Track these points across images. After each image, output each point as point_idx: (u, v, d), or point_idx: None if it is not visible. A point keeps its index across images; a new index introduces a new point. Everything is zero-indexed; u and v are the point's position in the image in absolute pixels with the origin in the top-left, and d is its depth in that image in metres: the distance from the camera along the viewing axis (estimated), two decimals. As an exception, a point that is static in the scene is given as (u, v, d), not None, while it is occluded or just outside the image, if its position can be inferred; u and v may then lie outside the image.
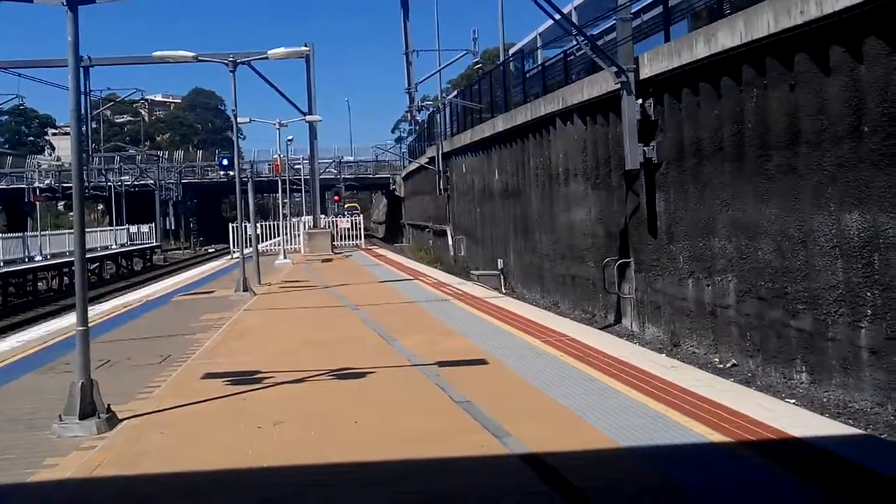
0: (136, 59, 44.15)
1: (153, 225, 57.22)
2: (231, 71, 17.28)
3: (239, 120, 20.66)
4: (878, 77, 9.26)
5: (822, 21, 9.84)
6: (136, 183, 67.50)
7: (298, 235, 35.03)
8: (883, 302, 9.29)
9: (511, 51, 35.66)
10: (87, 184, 55.36)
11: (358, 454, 5.66)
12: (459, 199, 34.98)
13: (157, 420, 6.78)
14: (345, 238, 36.64)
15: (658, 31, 15.51)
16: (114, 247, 45.98)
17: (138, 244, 51.27)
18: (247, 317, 13.58)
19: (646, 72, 14.46)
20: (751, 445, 5.43)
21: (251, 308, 14.83)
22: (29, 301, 31.50)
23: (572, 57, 20.40)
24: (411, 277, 20.16)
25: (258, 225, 25.60)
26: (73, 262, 9.83)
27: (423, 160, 44.08)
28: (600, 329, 14.01)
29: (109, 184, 63.75)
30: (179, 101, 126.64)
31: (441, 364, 8.44)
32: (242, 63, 18.26)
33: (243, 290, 16.85)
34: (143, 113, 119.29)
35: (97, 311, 14.89)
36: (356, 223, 38.27)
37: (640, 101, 14.59)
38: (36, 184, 64.33)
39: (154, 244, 55.28)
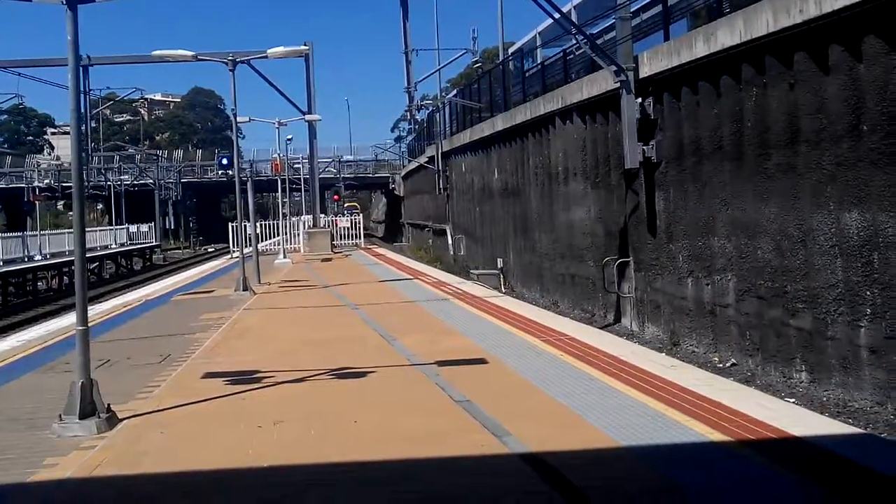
0: (136, 58, 44.17)
1: (153, 224, 57.19)
2: (230, 70, 17.28)
3: (238, 119, 20.65)
4: (878, 76, 9.26)
5: (821, 20, 9.84)
6: (135, 182, 67.49)
7: (298, 235, 35.03)
8: (882, 301, 9.29)
9: (510, 50, 35.65)
10: (86, 183, 55.31)
11: (358, 454, 5.67)
12: (459, 198, 34.98)
13: (157, 420, 6.79)
14: (344, 237, 36.65)
15: (657, 30, 15.51)
16: (113, 246, 45.97)
17: (138, 244, 51.25)
18: (247, 316, 13.58)
19: (645, 71, 14.46)
20: (750, 444, 5.43)
21: (251, 307, 14.83)
22: (29, 301, 31.49)
23: (572, 56, 20.40)
24: (411, 277, 20.17)
25: (258, 224, 25.61)
26: (72, 261, 9.83)
27: (423, 159, 44.08)
28: (600, 328, 14.01)
29: (109, 183, 63.73)
30: (179, 100, 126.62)
31: (441, 363, 8.44)
32: (242, 62, 18.27)
33: (243, 290, 16.86)
34: (142, 112, 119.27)
35: (97, 311, 14.88)
36: (356, 222, 38.28)
37: (639, 100, 14.59)
38: (35, 183, 64.32)
39: (153, 244, 55.26)
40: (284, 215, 35.24)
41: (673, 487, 4.79)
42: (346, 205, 77.01)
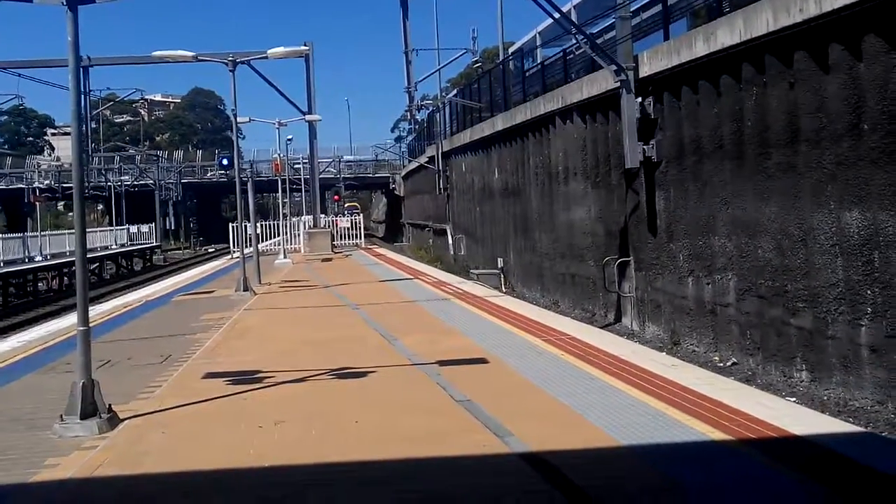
0: (136, 58, 44.12)
1: (153, 225, 57.23)
2: (231, 70, 17.29)
3: (238, 119, 20.66)
4: (878, 75, 9.26)
5: (821, 19, 9.84)
6: (135, 183, 67.50)
7: (298, 235, 35.04)
8: (883, 300, 9.29)
9: (510, 49, 35.64)
10: (86, 184, 55.34)
11: (359, 453, 5.67)
12: (459, 198, 34.98)
13: (158, 420, 6.79)
14: (345, 237, 36.66)
15: (657, 30, 15.51)
16: (114, 247, 46.00)
17: (138, 244, 51.28)
18: (247, 316, 13.59)
19: (645, 70, 14.46)
20: (751, 443, 5.44)
21: (251, 308, 14.83)
22: (29, 301, 31.50)
23: (572, 55, 20.40)
24: (411, 276, 20.17)
25: (258, 224, 25.60)
26: (73, 262, 9.85)
27: (423, 159, 44.08)
28: (600, 328, 14.00)
29: (109, 184, 63.74)
30: (179, 100, 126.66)
31: (442, 363, 8.45)
32: (242, 62, 18.26)
33: (243, 290, 16.86)
34: (142, 113, 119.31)
35: (97, 312, 14.89)
36: (356, 222, 38.29)
37: (639, 99, 14.59)
38: (35, 184, 64.30)
39: (154, 244, 55.29)
40: (285, 215, 35.24)
41: (674, 486, 4.79)
42: (346, 205, 77.02)
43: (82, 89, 36.85)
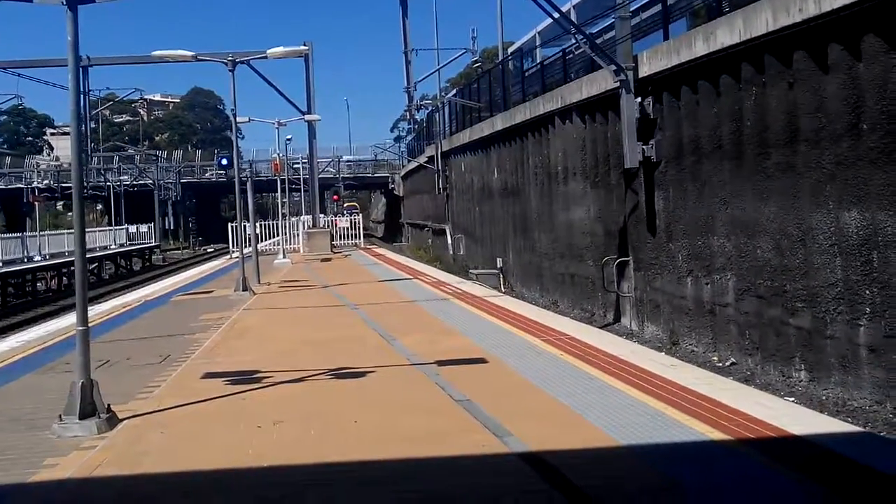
0: (135, 58, 44.11)
1: (152, 225, 57.20)
2: (230, 70, 17.28)
3: (238, 119, 20.65)
4: (877, 75, 9.27)
5: (820, 19, 9.85)
6: (134, 183, 67.49)
7: (297, 235, 35.03)
8: (882, 300, 9.30)
9: (510, 49, 35.64)
10: (86, 184, 55.31)
11: (358, 453, 5.67)
12: (458, 198, 34.99)
13: (157, 420, 6.79)
14: (344, 237, 36.65)
15: (657, 30, 15.51)
16: (113, 247, 45.97)
17: (137, 244, 51.25)
18: (246, 316, 13.59)
19: (645, 70, 14.47)
20: (750, 443, 5.44)
21: (250, 308, 14.83)
22: (28, 301, 31.49)
23: (571, 55, 20.39)
24: (410, 276, 20.17)
25: (257, 224, 25.60)
26: (72, 262, 9.85)
27: (422, 159, 44.08)
28: (600, 328, 14.01)
29: (108, 184, 63.74)
30: (178, 100, 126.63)
31: (441, 363, 8.45)
32: (241, 62, 18.26)
33: (242, 290, 16.86)
34: (141, 112, 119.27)
35: (96, 312, 14.88)
36: (355, 222, 38.28)
37: (638, 99, 14.60)
38: (35, 184, 64.31)
39: (153, 244, 55.26)
40: (284, 215, 35.24)
41: (673, 486, 4.80)
42: (345, 205, 77.03)
43: (82, 89, 36.86)
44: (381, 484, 5.09)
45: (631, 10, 15.95)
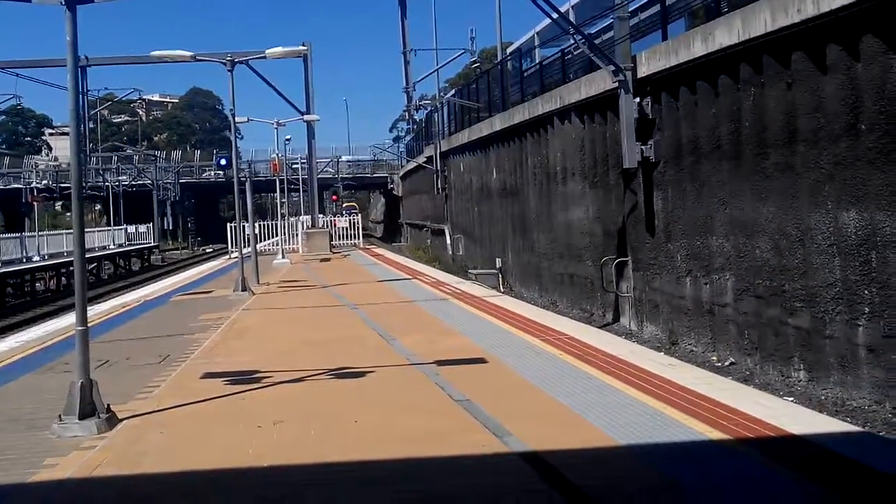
0: (134, 58, 44.17)
1: (151, 225, 57.17)
2: (229, 70, 17.29)
3: (237, 119, 20.67)
4: (875, 75, 9.28)
5: (819, 19, 9.86)
6: (133, 183, 67.41)
7: (297, 235, 35.03)
8: (880, 300, 9.31)
9: (509, 50, 35.65)
10: (84, 184, 55.22)
11: (358, 453, 5.67)
12: (457, 198, 34.99)
13: (156, 420, 6.79)
14: (343, 237, 36.65)
15: (655, 30, 15.52)
16: (111, 247, 45.94)
17: (136, 244, 51.22)
18: (245, 316, 13.59)
19: (643, 70, 14.48)
20: (749, 443, 5.45)
21: (250, 308, 14.83)
22: (27, 301, 31.47)
23: (570, 56, 20.40)
24: (410, 277, 20.18)
25: (256, 225, 25.60)
26: (70, 262, 9.85)
27: (421, 159, 44.09)
28: (599, 328, 14.01)
29: (107, 184, 63.64)
30: (177, 100, 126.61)
31: (440, 363, 8.45)
32: (240, 62, 18.27)
33: (242, 290, 16.86)
34: (140, 113, 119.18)
35: (95, 312, 14.87)
36: (354, 222, 38.27)
37: (637, 99, 14.61)
38: (33, 184, 64.12)
39: (152, 244, 55.23)
40: (283, 215, 35.24)
41: (672, 485, 4.80)
42: (344, 205, 76.94)
43: (80, 89, 36.82)
44: (381, 484, 5.10)
45: (629, 10, 15.96)
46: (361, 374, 8.15)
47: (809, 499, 4.58)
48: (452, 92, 44.90)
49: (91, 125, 55.98)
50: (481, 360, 8.68)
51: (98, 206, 76.34)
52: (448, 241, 36.35)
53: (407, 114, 41.83)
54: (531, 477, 5.06)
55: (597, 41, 16.58)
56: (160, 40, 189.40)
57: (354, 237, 36.97)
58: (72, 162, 7.19)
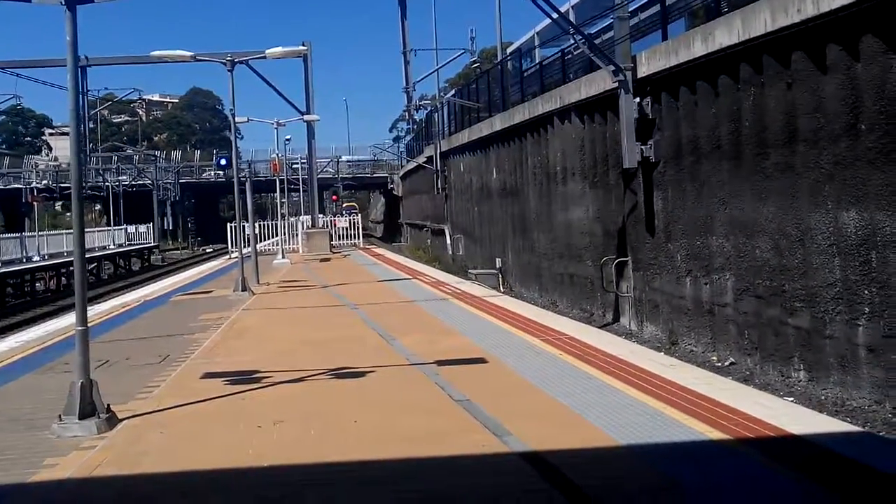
0: (134, 58, 44.18)
1: (151, 225, 57.17)
2: (229, 70, 17.29)
3: (237, 119, 20.68)
4: (875, 75, 9.28)
5: (818, 19, 9.86)
6: (133, 183, 67.41)
7: (297, 235, 35.03)
8: (880, 300, 9.31)
9: (509, 50, 35.66)
10: (84, 184, 55.22)
11: (358, 453, 5.67)
12: (457, 198, 34.99)
13: (156, 420, 6.79)
14: (343, 237, 36.66)
15: (655, 30, 15.52)
16: (111, 247, 45.95)
17: (136, 244, 51.22)
18: (245, 316, 13.59)
19: (643, 70, 14.48)
20: (749, 443, 5.45)
21: (250, 308, 14.83)
22: (27, 301, 31.47)
23: (570, 56, 20.40)
24: (410, 276, 20.18)
25: (256, 225, 25.60)
26: (70, 262, 9.85)
27: (421, 159, 44.09)
28: (599, 328, 14.01)
29: (107, 184, 63.64)
30: (177, 100, 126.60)
31: (440, 363, 8.45)
32: (240, 62, 18.27)
33: (242, 290, 16.86)
34: (140, 113, 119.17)
35: (95, 312, 14.87)
36: (354, 222, 38.28)
37: (637, 99, 14.61)
38: (33, 184, 64.09)
39: (152, 244, 55.23)
40: (283, 215, 35.24)
41: (672, 485, 4.80)
42: (344, 205, 76.95)
43: (80, 89, 36.81)
44: (381, 484, 5.10)
45: (629, 10, 15.96)
46: (361, 374, 8.15)
47: (809, 499, 4.57)
48: (452, 92, 44.91)
49: (91, 125, 56.00)
50: (481, 360, 8.68)
51: (98, 206, 76.35)
52: (448, 241, 36.35)
53: (407, 114, 41.85)
54: (531, 477, 5.06)
55: (597, 41, 16.58)
56: (160, 40, 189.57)
57: (354, 237, 36.98)
58: (72, 162, 7.19)
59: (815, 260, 10.30)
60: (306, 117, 31.65)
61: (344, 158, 75.84)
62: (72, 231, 7.14)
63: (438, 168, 36.62)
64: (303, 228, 35.27)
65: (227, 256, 31.91)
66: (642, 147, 14.46)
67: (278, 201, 37.30)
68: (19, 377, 9.17)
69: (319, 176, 45.87)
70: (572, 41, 18.42)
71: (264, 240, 34.65)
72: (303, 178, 44.27)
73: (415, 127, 54.98)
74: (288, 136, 41.87)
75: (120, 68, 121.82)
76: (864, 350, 9.52)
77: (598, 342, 9.61)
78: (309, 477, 5.30)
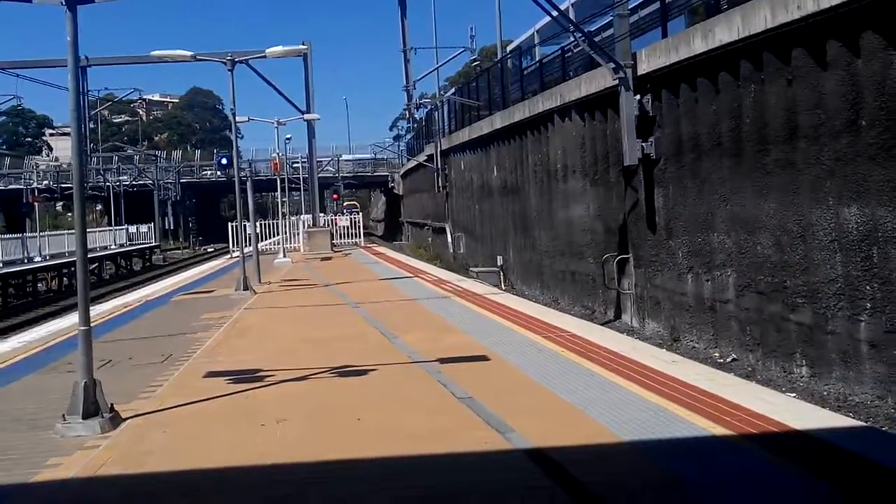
0: (134, 58, 44.13)
1: (152, 225, 57.20)
2: (229, 70, 17.28)
3: (237, 119, 20.66)
4: (876, 71, 9.28)
5: (818, 16, 9.86)
6: (134, 183, 67.47)
7: (298, 234, 35.04)
8: (882, 295, 9.32)
9: (509, 48, 35.65)
10: (85, 184, 55.22)
11: (361, 451, 5.68)
12: (458, 196, 34.99)
13: (159, 419, 6.80)
14: (344, 236, 36.68)
15: (655, 27, 15.52)
16: (113, 247, 45.96)
17: (137, 244, 51.23)
18: (247, 315, 13.60)
19: (643, 68, 14.48)
20: (752, 438, 5.45)
21: (252, 307, 14.84)
22: (29, 302, 31.48)
23: (570, 53, 20.41)
24: (411, 275, 20.18)
25: (257, 224, 25.61)
26: (72, 262, 9.85)
27: (422, 158, 44.08)
28: (600, 325, 14.01)
29: (108, 184, 63.70)
30: (177, 100, 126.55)
31: (442, 361, 8.46)
32: (240, 62, 18.26)
33: (243, 289, 16.87)
34: (140, 113, 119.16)
35: (97, 312, 14.87)
36: (355, 221, 38.30)
37: (637, 96, 14.61)
38: (34, 184, 64.18)
39: (153, 244, 55.23)
40: (284, 215, 35.25)
41: (675, 482, 4.81)
42: (345, 204, 76.91)
43: (81, 89, 36.78)
44: (385, 481, 5.10)
45: (629, 7, 15.96)
46: (364, 372, 8.16)
47: (813, 494, 4.58)
48: (453, 90, 44.87)
49: (91, 125, 56.01)
50: (483, 358, 8.68)
51: (99, 207, 76.41)
52: (449, 240, 36.35)
53: (407, 112, 41.87)
54: (535, 473, 5.07)
55: (597, 39, 16.58)
56: (160, 40, 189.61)
57: (355, 236, 36.99)
58: (73, 162, 7.19)
59: (816, 256, 10.30)
60: (306, 116, 31.65)
61: (344, 157, 75.85)
62: (73, 231, 7.15)
63: (439, 166, 36.62)
64: (304, 227, 35.28)
65: (229, 256, 31.92)
66: (643, 144, 14.47)
67: (279, 200, 37.28)
68: (22, 377, 9.17)
69: (320, 175, 45.89)
70: (572, 39, 18.41)
71: (265, 239, 34.66)
72: (303, 177, 44.25)
73: (415, 125, 54.97)
74: (288, 136, 41.83)
75: (120, 68, 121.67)
76: (866, 346, 9.52)
77: (600, 339, 9.62)
78: (313, 475, 5.30)
